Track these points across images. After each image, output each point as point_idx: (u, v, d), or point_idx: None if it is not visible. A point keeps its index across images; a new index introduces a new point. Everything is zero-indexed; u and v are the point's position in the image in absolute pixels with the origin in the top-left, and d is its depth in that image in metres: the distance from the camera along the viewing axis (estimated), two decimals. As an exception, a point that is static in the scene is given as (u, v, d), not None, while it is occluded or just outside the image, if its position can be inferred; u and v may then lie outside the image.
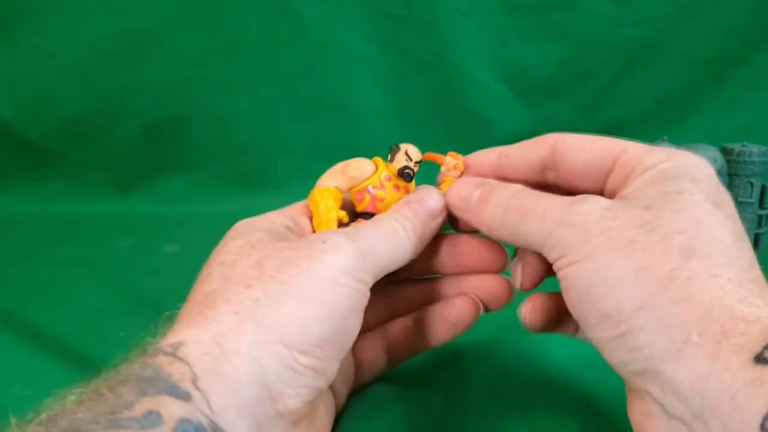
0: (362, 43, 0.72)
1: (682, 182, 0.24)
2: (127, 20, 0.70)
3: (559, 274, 0.25)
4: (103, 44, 0.70)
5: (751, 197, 0.48)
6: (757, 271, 0.23)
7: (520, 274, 0.30)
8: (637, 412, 0.24)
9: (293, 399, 0.24)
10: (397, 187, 0.32)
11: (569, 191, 0.29)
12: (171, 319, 0.25)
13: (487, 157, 0.31)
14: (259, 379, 0.23)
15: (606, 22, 0.71)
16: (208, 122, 0.74)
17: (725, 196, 0.25)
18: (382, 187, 0.31)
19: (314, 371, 0.24)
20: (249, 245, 0.27)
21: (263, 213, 0.32)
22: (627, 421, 0.25)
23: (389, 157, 0.32)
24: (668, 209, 0.24)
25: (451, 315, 0.33)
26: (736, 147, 0.48)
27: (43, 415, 0.20)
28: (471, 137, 0.73)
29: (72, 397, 0.21)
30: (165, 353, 0.22)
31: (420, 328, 0.33)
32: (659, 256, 0.23)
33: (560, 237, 0.25)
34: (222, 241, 0.28)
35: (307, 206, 0.31)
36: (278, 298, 0.24)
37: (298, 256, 0.26)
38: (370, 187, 0.31)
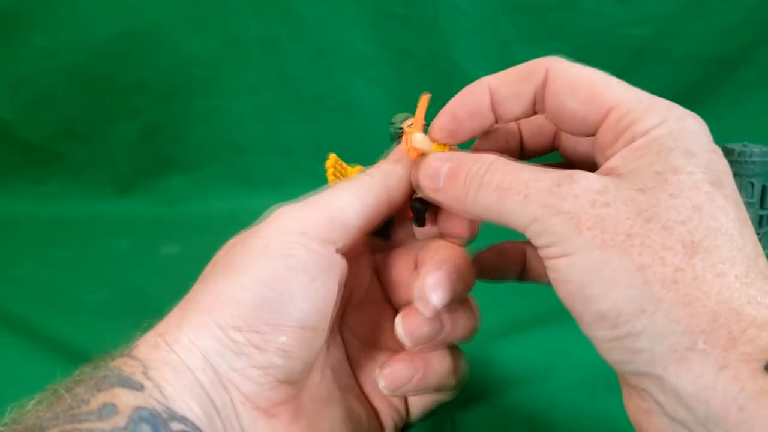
0: (362, 43, 0.72)
1: (676, 157, 0.22)
2: (127, 20, 0.70)
3: (548, 264, 0.23)
4: (103, 44, 0.70)
5: (752, 197, 0.48)
6: (763, 260, 0.21)
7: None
8: (635, 408, 0.23)
9: (246, 382, 0.23)
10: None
11: (557, 128, 0.27)
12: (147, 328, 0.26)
13: (477, 97, 0.28)
14: (204, 364, 0.23)
15: (606, 22, 0.71)
16: (208, 122, 0.74)
17: (723, 170, 0.23)
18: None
19: (255, 347, 0.23)
20: (225, 248, 0.27)
21: (263, 213, 0.32)
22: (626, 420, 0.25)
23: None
24: (665, 193, 0.21)
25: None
26: (737, 147, 0.48)
27: (7, 418, 0.21)
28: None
29: (33, 402, 0.22)
30: (120, 356, 0.23)
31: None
32: (660, 253, 0.21)
33: (547, 224, 0.22)
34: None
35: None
36: (209, 280, 0.25)
37: (246, 235, 0.26)
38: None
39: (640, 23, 0.71)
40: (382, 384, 0.27)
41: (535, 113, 0.27)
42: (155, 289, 0.49)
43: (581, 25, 0.71)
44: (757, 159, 0.48)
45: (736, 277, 0.20)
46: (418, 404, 0.31)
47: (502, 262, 0.30)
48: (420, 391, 0.28)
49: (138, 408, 0.21)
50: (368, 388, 0.30)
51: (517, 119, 0.27)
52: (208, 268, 0.26)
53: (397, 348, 0.29)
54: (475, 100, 0.28)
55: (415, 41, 0.72)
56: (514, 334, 0.41)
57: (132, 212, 0.71)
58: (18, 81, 0.72)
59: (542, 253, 0.23)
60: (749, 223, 0.23)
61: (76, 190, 0.74)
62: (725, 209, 0.22)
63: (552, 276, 0.23)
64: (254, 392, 0.24)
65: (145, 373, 0.22)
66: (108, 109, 0.73)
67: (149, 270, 0.55)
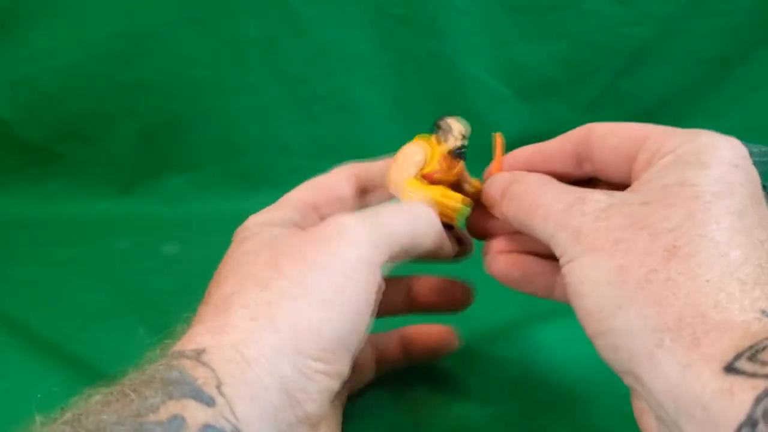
0: (362, 43, 0.72)
1: (687, 170, 0.24)
2: (127, 20, 0.70)
3: (561, 272, 0.26)
4: (103, 44, 0.70)
5: (751, 197, 0.48)
6: (750, 267, 0.22)
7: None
8: (635, 406, 0.24)
9: (311, 404, 0.24)
10: (451, 166, 0.31)
11: (607, 182, 0.29)
12: (188, 322, 0.25)
13: (522, 153, 0.32)
14: (280, 387, 0.23)
15: (606, 22, 0.71)
16: (208, 122, 0.74)
17: (739, 181, 0.24)
18: (441, 170, 0.31)
19: (327, 375, 0.24)
20: (266, 244, 0.27)
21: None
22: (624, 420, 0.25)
23: (438, 135, 0.31)
24: (663, 204, 0.23)
25: (428, 342, 0.34)
26: (737, 147, 0.48)
27: (68, 414, 0.20)
28: (471, 137, 0.73)
29: (97, 397, 0.21)
30: (188, 357, 0.22)
31: (404, 347, 0.34)
32: (640, 257, 0.22)
33: (559, 238, 0.25)
34: (236, 243, 0.28)
35: (311, 191, 0.31)
36: (291, 301, 0.24)
37: (313, 250, 0.25)
38: (430, 173, 0.31)
39: (640, 23, 0.71)
40: None
41: (582, 174, 0.30)
42: (155, 288, 0.49)
43: (581, 25, 0.71)
44: (757, 159, 0.47)
45: (707, 281, 0.21)
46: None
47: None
48: None
49: (207, 426, 0.20)
50: None
51: (561, 175, 0.30)
52: (229, 268, 0.26)
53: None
54: (517, 157, 0.32)
55: (415, 41, 0.72)
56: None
57: (132, 212, 0.71)
58: (18, 81, 0.71)
59: (560, 263, 0.26)
60: (754, 230, 0.23)
61: (76, 190, 0.74)
62: (719, 217, 0.22)
63: (563, 282, 0.25)
64: (315, 412, 0.24)
65: (218, 388, 0.21)
66: (108, 109, 0.73)
67: (149, 270, 0.55)
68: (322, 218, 0.30)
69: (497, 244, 0.32)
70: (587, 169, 0.30)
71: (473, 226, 0.33)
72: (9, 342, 0.41)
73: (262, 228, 0.28)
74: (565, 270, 0.25)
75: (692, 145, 0.25)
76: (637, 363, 0.21)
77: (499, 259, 0.31)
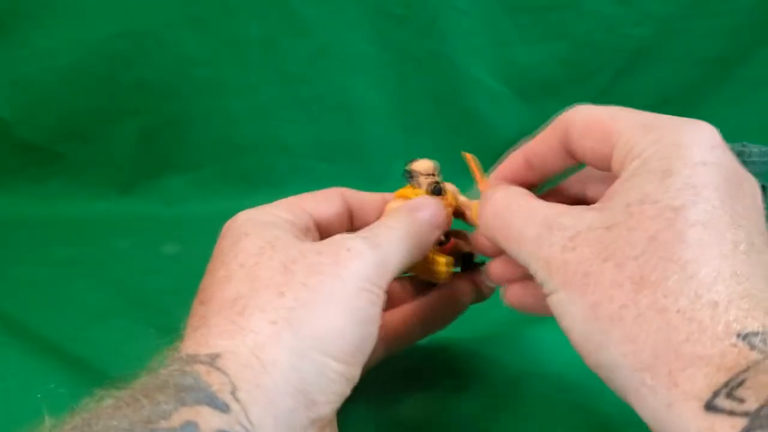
0: (362, 43, 0.72)
1: (649, 183, 0.23)
2: (127, 20, 0.70)
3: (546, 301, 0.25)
4: (103, 44, 0.70)
5: (751, 197, 0.48)
6: (720, 285, 0.20)
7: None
8: None
9: (326, 406, 0.24)
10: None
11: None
12: (190, 317, 0.25)
13: (514, 162, 0.31)
14: (296, 389, 0.23)
15: (606, 22, 0.70)
16: (208, 122, 0.74)
17: (707, 181, 0.22)
18: None
19: (345, 378, 0.24)
20: (269, 245, 0.26)
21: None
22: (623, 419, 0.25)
23: (411, 184, 0.32)
24: (625, 227, 0.22)
25: (451, 297, 0.33)
26: (736, 147, 0.48)
27: (77, 418, 0.20)
28: (471, 137, 0.73)
29: (108, 401, 0.20)
30: (202, 362, 0.22)
31: (420, 314, 0.34)
32: (608, 291, 0.22)
33: (533, 269, 0.25)
34: (229, 237, 0.28)
35: (303, 197, 0.32)
36: (313, 307, 0.24)
37: (325, 262, 0.26)
38: None
39: (640, 23, 0.71)
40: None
41: (576, 162, 0.29)
42: (155, 288, 0.49)
43: (581, 25, 0.71)
44: (756, 159, 0.47)
45: (677, 311, 0.20)
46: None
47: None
48: None
49: None
50: None
51: (560, 172, 0.30)
52: (234, 268, 0.26)
53: None
54: (512, 164, 0.31)
55: (415, 41, 0.72)
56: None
57: (132, 212, 0.71)
58: (18, 81, 0.71)
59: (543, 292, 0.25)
60: (727, 235, 0.21)
61: (77, 190, 0.74)
62: (683, 235, 0.21)
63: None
64: (328, 415, 0.24)
65: (233, 393, 0.21)
66: (108, 109, 0.73)
67: (149, 270, 0.55)
68: (317, 223, 0.31)
69: (499, 269, 0.32)
70: (578, 159, 0.28)
71: (480, 250, 0.33)
72: (9, 342, 0.41)
73: (261, 227, 0.28)
74: (548, 302, 0.24)
75: (659, 146, 0.23)
76: (628, 396, 0.21)
77: (511, 291, 0.31)
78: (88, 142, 0.74)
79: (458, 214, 0.34)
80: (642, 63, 0.72)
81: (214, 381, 0.21)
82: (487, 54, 0.72)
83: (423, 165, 0.32)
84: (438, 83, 0.73)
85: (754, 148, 0.49)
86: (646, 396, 0.20)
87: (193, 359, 0.22)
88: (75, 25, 0.70)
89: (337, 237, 0.27)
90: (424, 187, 0.32)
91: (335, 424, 0.28)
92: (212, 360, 0.22)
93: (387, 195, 0.34)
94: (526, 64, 0.73)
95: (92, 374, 0.35)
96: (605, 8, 0.70)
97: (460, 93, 0.73)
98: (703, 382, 0.19)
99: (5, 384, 0.35)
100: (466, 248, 0.34)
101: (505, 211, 0.27)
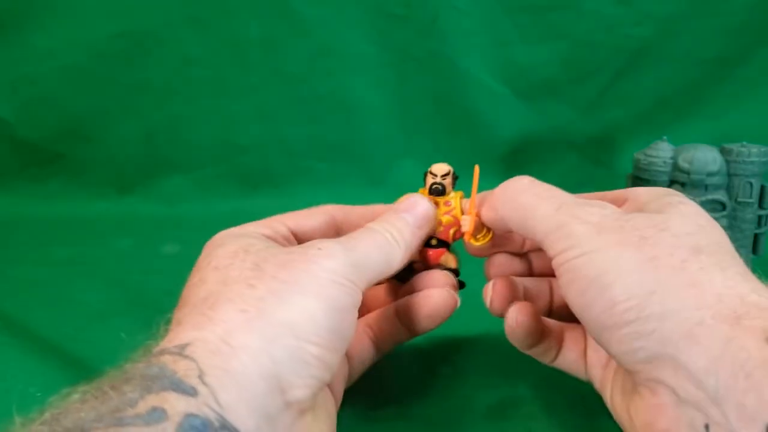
0: (362, 43, 0.72)
1: (674, 198, 0.27)
2: (127, 20, 0.70)
3: (563, 267, 0.26)
4: (103, 44, 0.70)
5: (750, 197, 0.48)
6: (753, 276, 0.24)
7: (491, 293, 0.32)
8: (645, 408, 0.24)
9: (302, 389, 0.24)
10: (437, 204, 0.33)
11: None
12: (170, 322, 0.25)
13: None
14: (268, 372, 0.23)
15: (606, 22, 0.71)
16: (208, 122, 0.74)
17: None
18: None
19: (322, 362, 0.25)
20: (242, 250, 0.27)
21: (262, 213, 0.32)
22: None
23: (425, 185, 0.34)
24: (676, 214, 0.26)
25: (427, 306, 0.33)
26: (736, 147, 0.48)
27: (47, 414, 0.20)
28: (471, 137, 0.73)
29: (75, 396, 0.21)
30: (170, 353, 0.22)
31: (401, 317, 0.34)
32: (670, 250, 0.24)
33: (572, 229, 0.26)
34: (207, 249, 0.28)
35: (286, 215, 0.32)
36: (284, 295, 0.25)
37: (296, 259, 0.26)
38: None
39: (640, 23, 0.71)
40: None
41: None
42: (155, 288, 0.49)
43: (581, 25, 0.71)
44: (756, 159, 0.48)
45: (736, 272, 0.24)
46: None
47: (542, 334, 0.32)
48: None
49: (189, 415, 0.20)
50: None
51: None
52: (207, 272, 0.26)
53: None
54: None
55: (415, 41, 0.72)
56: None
57: (132, 212, 0.71)
58: (18, 81, 0.72)
59: (559, 258, 0.26)
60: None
61: (77, 190, 0.74)
62: (723, 233, 0.26)
63: (565, 279, 0.26)
64: (305, 398, 0.24)
65: (200, 378, 0.21)
66: (108, 109, 0.73)
67: (149, 270, 0.55)
68: (296, 236, 0.32)
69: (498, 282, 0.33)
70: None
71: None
72: (9, 342, 0.41)
73: (236, 237, 0.29)
74: (574, 264, 0.25)
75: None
76: (673, 344, 0.22)
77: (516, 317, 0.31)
78: (88, 142, 0.74)
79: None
80: (642, 63, 0.72)
81: (180, 368, 0.21)
82: (487, 54, 0.72)
83: (436, 166, 0.34)
84: (438, 83, 0.73)
85: (754, 148, 0.49)
86: (700, 335, 0.22)
87: (162, 352, 0.22)
88: (75, 25, 0.70)
89: (311, 242, 0.28)
90: (427, 185, 0.33)
91: (324, 414, 0.28)
92: (180, 350, 0.22)
93: (377, 207, 0.34)
94: (526, 64, 0.73)
95: (92, 374, 0.35)
96: (605, 8, 0.70)
97: (460, 93, 0.73)
98: (765, 323, 0.21)
99: (5, 384, 0.35)
100: (452, 264, 0.34)
101: (532, 183, 0.30)
